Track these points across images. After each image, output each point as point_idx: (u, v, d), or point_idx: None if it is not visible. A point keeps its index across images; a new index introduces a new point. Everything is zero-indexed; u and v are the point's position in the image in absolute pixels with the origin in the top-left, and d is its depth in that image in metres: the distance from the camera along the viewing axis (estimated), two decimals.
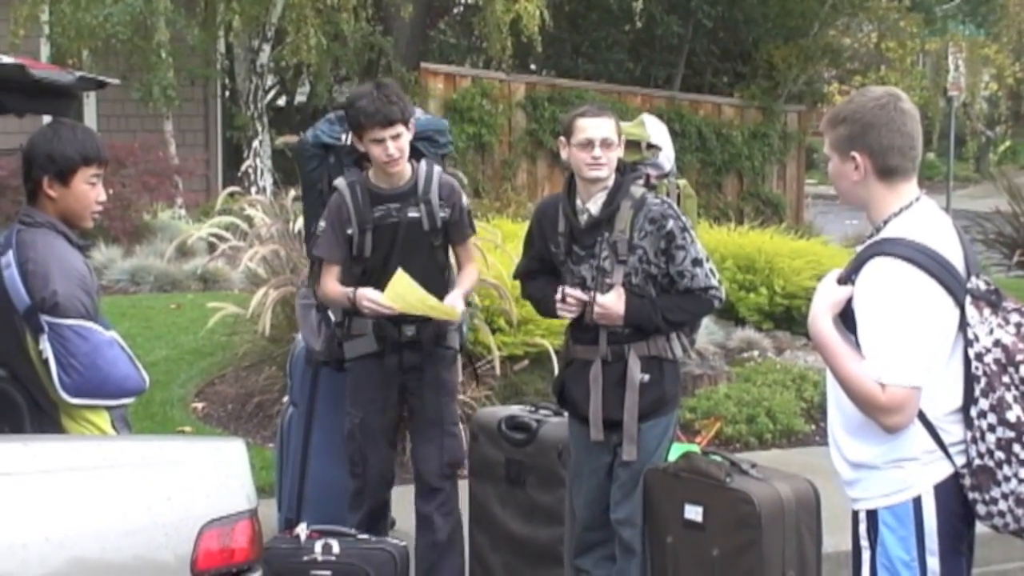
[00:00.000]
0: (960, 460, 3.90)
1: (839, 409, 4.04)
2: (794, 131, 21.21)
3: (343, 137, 5.68)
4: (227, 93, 20.61)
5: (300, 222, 8.33)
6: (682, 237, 5.20)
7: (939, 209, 4.11)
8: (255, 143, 17.91)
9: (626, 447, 5.26)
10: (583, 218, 5.27)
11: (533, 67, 22.40)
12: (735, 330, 10.82)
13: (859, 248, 4.09)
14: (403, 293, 5.36)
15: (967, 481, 3.90)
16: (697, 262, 5.23)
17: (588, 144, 5.16)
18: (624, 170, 5.30)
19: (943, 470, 3.91)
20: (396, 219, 5.50)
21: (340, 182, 5.55)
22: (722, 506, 4.97)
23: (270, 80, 21.42)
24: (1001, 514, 3.88)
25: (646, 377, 5.24)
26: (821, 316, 3.95)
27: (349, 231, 5.48)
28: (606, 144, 5.16)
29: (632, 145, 5.54)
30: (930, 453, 3.91)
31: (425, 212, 5.52)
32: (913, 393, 3.81)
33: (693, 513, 5.05)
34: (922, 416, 3.88)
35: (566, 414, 5.65)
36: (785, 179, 21.29)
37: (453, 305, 5.47)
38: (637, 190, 5.26)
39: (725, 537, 4.96)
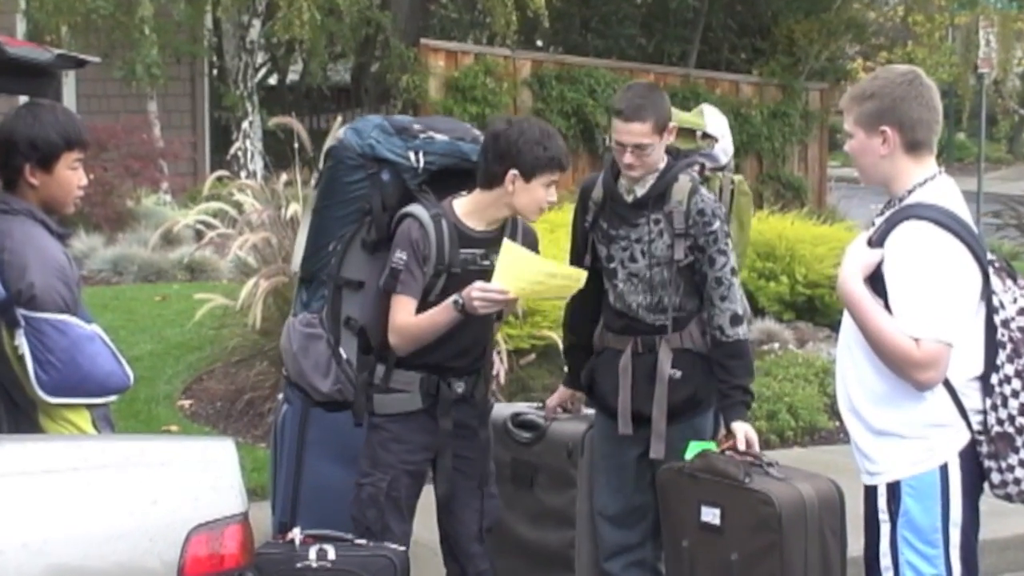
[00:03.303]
0: (976, 428, 4.17)
1: (860, 381, 4.27)
2: (816, 110, 21.20)
3: (413, 157, 5.28)
4: (215, 71, 20.59)
5: (292, 208, 8.35)
6: (725, 242, 5.28)
7: (956, 187, 4.34)
8: (245, 124, 17.90)
9: (654, 444, 5.29)
10: (629, 197, 5.30)
11: (539, 43, 22.39)
12: (754, 321, 10.80)
13: (879, 217, 4.33)
14: (519, 271, 4.94)
15: (984, 448, 4.17)
16: (734, 272, 5.31)
17: (620, 146, 5.21)
18: (677, 155, 5.35)
19: (964, 437, 4.18)
20: (478, 268, 5.08)
21: (421, 212, 5.09)
22: (741, 508, 4.97)
23: (261, 57, 21.41)
24: (1017, 482, 4.17)
25: (677, 373, 5.28)
26: (852, 277, 4.18)
27: (425, 269, 5.08)
28: (639, 148, 5.18)
29: (687, 132, 5.57)
30: (954, 419, 4.17)
31: None
32: (946, 349, 4.06)
33: (710, 515, 5.04)
34: (945, 382, 4.13)
35: (584, 410, 5.68)
36: (807, 161, 21.28)
37: (576, 269, 5.15)
38: (688, 176, 5.31)
39: (744, 540, 4.96)
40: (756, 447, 5.20)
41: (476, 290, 4.92)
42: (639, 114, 5.17)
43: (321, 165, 5.64)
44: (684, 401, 5.31)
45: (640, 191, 5.29)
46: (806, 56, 20.77)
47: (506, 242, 4.99)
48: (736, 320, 5.27)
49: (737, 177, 5.86)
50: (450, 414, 5.20)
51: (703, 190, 5.31)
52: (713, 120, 5.79)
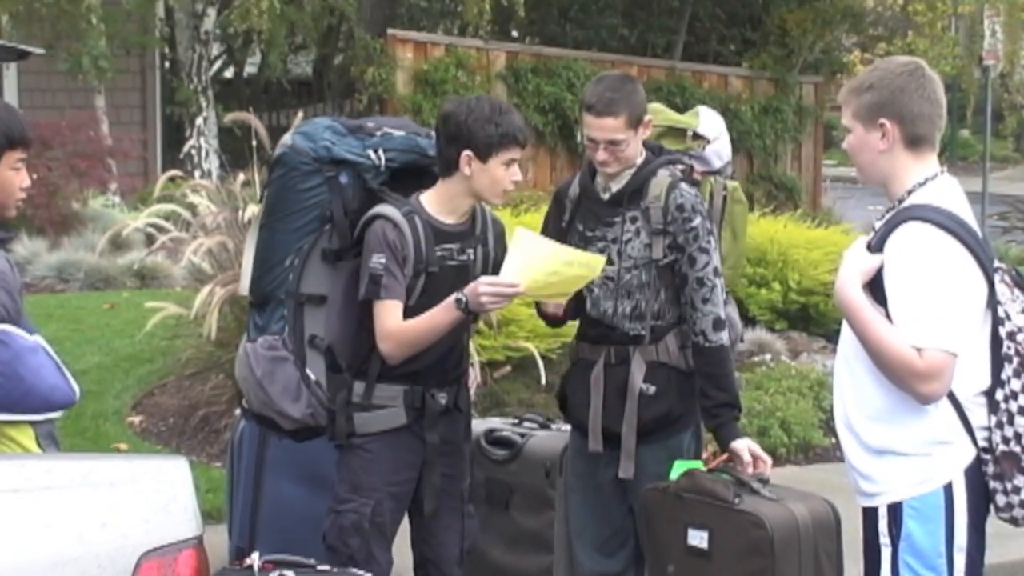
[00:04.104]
0: (982, 446, 4.16)
1: (859, 397, 4.26)
2: (810, 105, 21.29)
3: (373, 155, 5.23)
4: (167, 64, 20.57)
5: (250, 210, 8.35)
6: (707, 239, 5.25)
7: (960, 187, 4.32)
8: (199, 121, 17.89)
9: (623, 462, 5.27)
10: (605, 195, 5.31)
11: (515, 34, 22.42)
12: (744, 331, 10.82)
13: (879, 222, 4.30)
14: (533, 260, 4.89)
15: (989, 468, 4.15)
16: (717, 272, 5.29)
17: (592, 142, 5.22)
18: (659, 153, 5.35)
19: (969, 454, 4.17)
20: (456, 263, 5.12)
21: (392, 212, 5.08)
22: (730, 530, 4.97)
23: (216, 49, 21.41)
24: (1023, 504, 4.16)
25: (650, 388, 5.26)
26: (850, 283, 4.17)
27: (405, 271, 5.06)
28: (612, 144, 5.18)
29: (677, 132, 5.58)
30: (958, 436, 4.15)
31: (481, 255, 5.20)
32: (950, 360, 4.05)
33: (697, 539, 5.05)
34: (950, 395, 4.12)
35: (558, 426, 5.66)
36: (800, 159, 21.36)
37: (594, 255, 5.12)
38: (668, 171, 5.31)
39: (733, 565, 4.96)
40: (767, 460, 5.20)
41: (484, 284, 4.88)
42: (611, 108, 5.16)
43: (267, 176, 5.50)
44: (657, 419, 5.28)
45: (615, 187, 5.29)
46: (799, 48, 20.84)
47: (519, 230, 4.99)
48: (719, 325, 5.25)
49: (732, 184, 5.87)
50: (436, 428, 5.18)
51: (684, 185, 5.29)
52: (708, 122, 5.81)
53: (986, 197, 20.24)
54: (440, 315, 4.98)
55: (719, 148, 5.79)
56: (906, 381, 4.09)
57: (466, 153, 5.02)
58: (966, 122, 36.66)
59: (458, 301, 4.92)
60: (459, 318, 4.98)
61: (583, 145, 5.44)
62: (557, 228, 5.45)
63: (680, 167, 5.41)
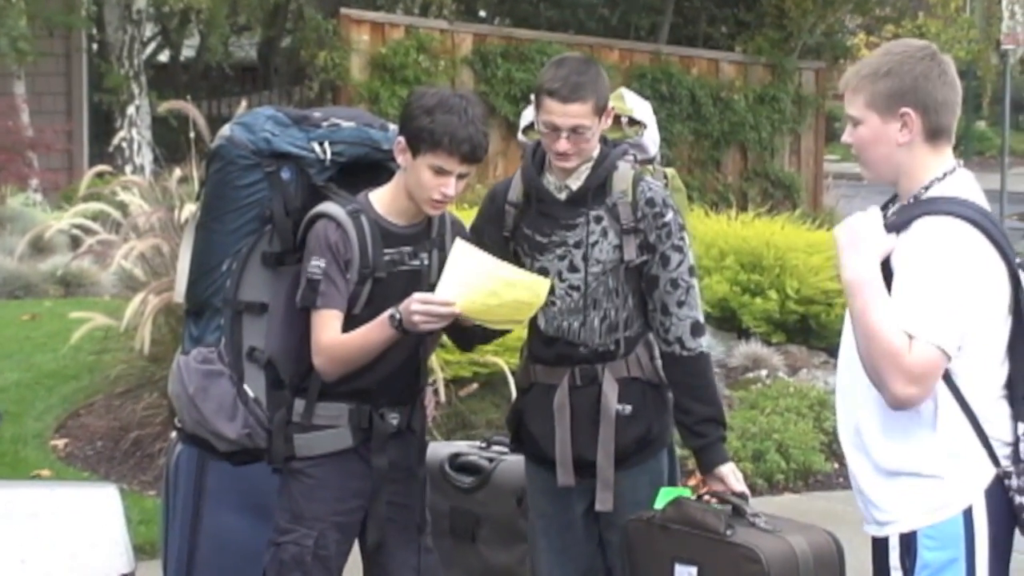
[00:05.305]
0: (1005, 461, 4.17)
1: (871, 407, 4.21)
2: (810, 94, 21.34)
3: (318, 148, 5.22)
4: (95, 46, 20.53)
5: (188, 209, 8.34)
6: (680, 236, 5.24)
7: (977, 184, 4.34)
8: (130, 110, 17.86)
9: (600, 494, 5.25)
10: (562, 194, 5.27)
11: (483, 14, 22.46)
12: (737, 344, 10.87)
13: (890, 212, 4.33)
14: (470, 277, 4.87)
15: (1015, 482, 4.15)
16: (692, 272, 5.27)
17: (553, 131, 5.15)
18: (605, 143, 5.32)
19: (989, 472, 4.17)
20: (408, 268, 5.11)
21: (336, 211, 5.06)
22: (721, 565, 4.98)
23: (150, 30, 21.36)
24: None
25: (627, 408, 5.23)
26: (871, 255, 4.18)
27: (348, 276, 5.06)
28: (576, 133, 5.16)
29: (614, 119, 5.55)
30: (975, 450, 4.15)
31: (437, 260, 5.14)
32: (940, 360, 4.04)
33: (685, 574, 5.06)
34: (964, 406, 4.13)
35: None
36: (800, 154, 21.41)
37: (539, 278, 5.07)
38: (628, 163, 5.30)
39: None
40: (747, 495, 5.22)
41: (416, 302, 4.85)
42: (578, 93, 5.12)
43: (204, 171, 5.50)
44: (635, 441, 5.26)
45: (575, 184, 5.24)
46: (798, 30, 20.89)
47: (458, 241, 4.96)
48: (698, 330, 5.24)
49: (670, 171, 5.86)
50: (385, 451, 5.15)
51: (648, 178, 5.30)
52: (637, 106, 5.81)
53: (1004, 196, 20.30)
54: (374, 332, 4.96)
55: (652, 134, 5.79)
56: (886, 374, 4.05)
57: (399, 140, 5.01)
58: (982, 113, 36.83)
59: (392, 317, 4.90)
60: (394, 336, 4.94)
61: (526, 141, 5.38)
62: (498, 239, 5.37)
63: (630, 157, 5.40)
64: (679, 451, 5.64)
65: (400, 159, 5.00)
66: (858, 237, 4.23)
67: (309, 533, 5.12)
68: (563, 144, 5.14)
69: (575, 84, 5.13)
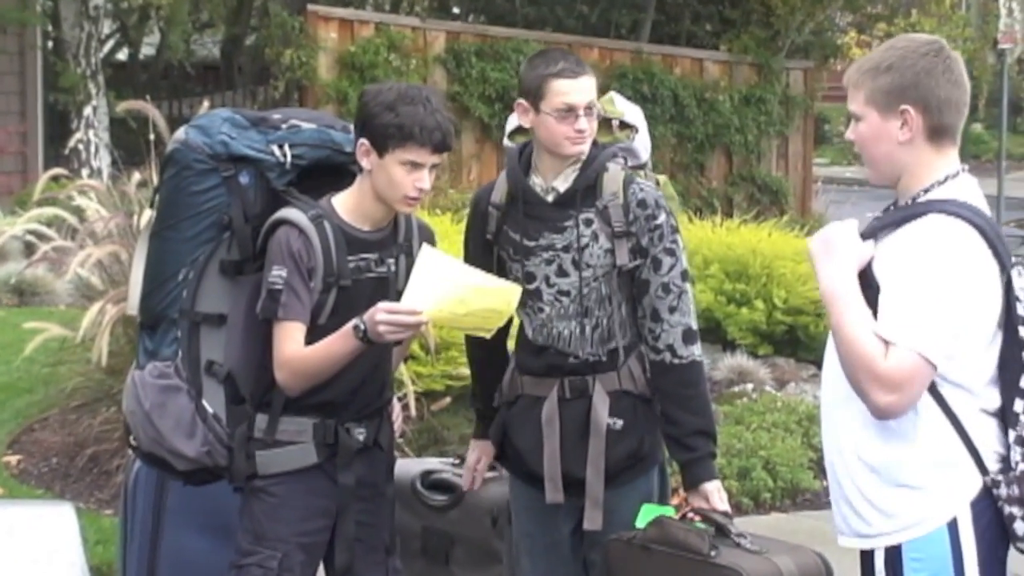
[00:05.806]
0: (994, 470, 4.16)
1: (860, 414, 4.19)
2: (799, 95, 21.38)
3: (278, 151, 5.20)
4: (50, 44, 20.50)
5: (147, 215, 8.33)
6: (672, 239, 5.25)
7: (980, 191, 4.33)
8: (87, 110, 17.83)
9: (588, 512, 5.24)
10: (550, 196, 5.28)
11: (456, 11, 22.46)
12: (722, 356, 10.88)
13: (875, 215, 4.32)
14: (437, 285, 4.82)
15: (1004, 491, 4.14)
16: (685, 277, 5.27)
17: (569, 112, 5.16)
18: (599, 146, 5.34)
19: (976, 483, 4.17)
20: (375, 275, 5.10)
21: (298, 216, 5.03)
22: None
23: (108, 27, 21.32)
24: None
25: (618, 422, 5.24)
26: (849, 267, 4.17)
27: (312, 285, 5.02)
28: (590, 110, 5.18)
29: (604, 123, 5.56)
30: (961, 459, 4.16)
31: (404, 266, 5.14)
32: (923, 369, 4.04)
33: None
34: (949, 413, 4.12)
35: (503, 471, 5.65)
36: (787, 157, 21.45)
37: (509, 284, 5.05)
38: (618, 164, 5.33)
39: None
40: (726, 506, 5.22)
41: (381, 311, 4.82)
42: (584, 67, 5.19)
43: (158, 176, 5.48)
44: (626, 457, 5.27)
45: (562, 186, 5.26)
46: (786, 28, 20.94)
47: (425, 247, 4.93)
48: (690, 337, 5.23)
49: (662, 177, 5.88)
50: (352, 468, 5.14)
51: (639, 179, 5.31)
52: (629, 110, 5.83)
53: (1002, 201, 20.30)
54: (338, 343, 4.94)
55: (643, 139, 5.82)
56: (863, 384, 4.06)
57: (362, 142, 4.99)
58: (979, 114, 36.85)
59: (356, 328, 4.87)
60: (359, 347, 4.92)
61: (512, 146, 5.40)
62: (482, 243, 5.41)
63: (619, 160, 5.42)
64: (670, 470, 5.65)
65: (364, 162, 4.99)
66: (831, 247, 4.23)
67: (273, 555, 5.09)
68: (583, 121, 5.16)
69: (576, 60, 5.21)
